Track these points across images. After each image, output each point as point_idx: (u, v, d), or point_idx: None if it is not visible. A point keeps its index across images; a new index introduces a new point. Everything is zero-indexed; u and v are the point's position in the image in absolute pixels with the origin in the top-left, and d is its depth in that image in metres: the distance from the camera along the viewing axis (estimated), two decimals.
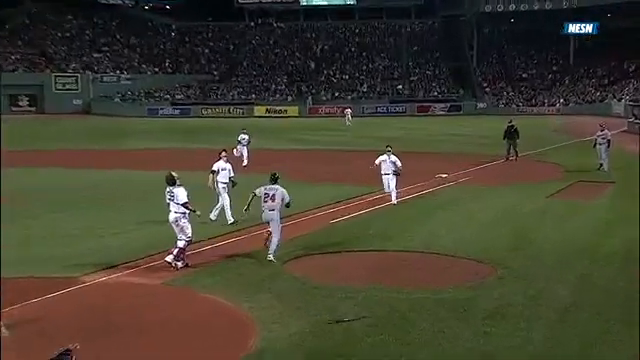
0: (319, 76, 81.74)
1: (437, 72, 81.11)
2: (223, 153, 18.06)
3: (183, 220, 13.19)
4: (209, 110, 73.63)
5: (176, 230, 13.28)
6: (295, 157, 34.20)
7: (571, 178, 25.27)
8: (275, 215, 13.49)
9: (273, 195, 13.49)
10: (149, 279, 12.55)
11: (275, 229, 13.49)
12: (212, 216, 17.27)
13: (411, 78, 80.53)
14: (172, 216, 13.29)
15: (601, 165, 27.27)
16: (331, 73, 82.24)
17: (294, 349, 9.15)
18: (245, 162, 29.04)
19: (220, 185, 17.50)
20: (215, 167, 17.73)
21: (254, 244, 15.06)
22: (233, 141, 29.92)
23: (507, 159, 30.78)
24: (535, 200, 20.78)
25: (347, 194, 21.57)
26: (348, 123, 56.27)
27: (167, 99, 77.13)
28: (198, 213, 13.58)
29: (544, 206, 19.80)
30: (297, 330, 9.82)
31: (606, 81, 74.33)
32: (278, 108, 73.77)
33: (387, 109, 73.85)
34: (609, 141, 27.52)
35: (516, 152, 30.98)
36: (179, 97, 77.73)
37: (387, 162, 20.02)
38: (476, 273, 12.79)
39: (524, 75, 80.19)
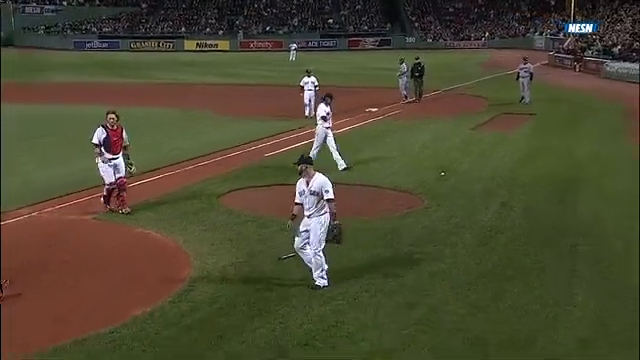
0: (250, 9, 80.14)
1: (367, 6, 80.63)
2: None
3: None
4: (138, 44, 71.53)
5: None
6: (228, 92, 33.73)
7: (495, 110, 25.85)
8: None
9: None
10: (79, 215, 12.32)
11: None
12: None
13: (341, 12, 79.80)
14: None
15: (523, 98, 27.97)
16: (261, 6, 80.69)
17: (228, 279, 9.25)
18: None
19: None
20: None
21: (189, 178, 14.98)
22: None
23: (412, 100, 28.08)
24: (461, 132, 21.23)
25: (281, 128, 21.58)
26: (292, 59, 55.59)
27: (94, 32, 74.43)
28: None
29: (469, 138, 20.27)
30: (231, 261, 9.91)
31: (528, 15, 75.47)
32: (209, 42, 72.19)
33: (318, 43, 73.12)
34: (531, 74, 28.16)
35: (420, 92, 28.57)
36: (107, 30, 75.09)
37: None
38: (403, 204, 13.10)
39: (451, 9, 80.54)
